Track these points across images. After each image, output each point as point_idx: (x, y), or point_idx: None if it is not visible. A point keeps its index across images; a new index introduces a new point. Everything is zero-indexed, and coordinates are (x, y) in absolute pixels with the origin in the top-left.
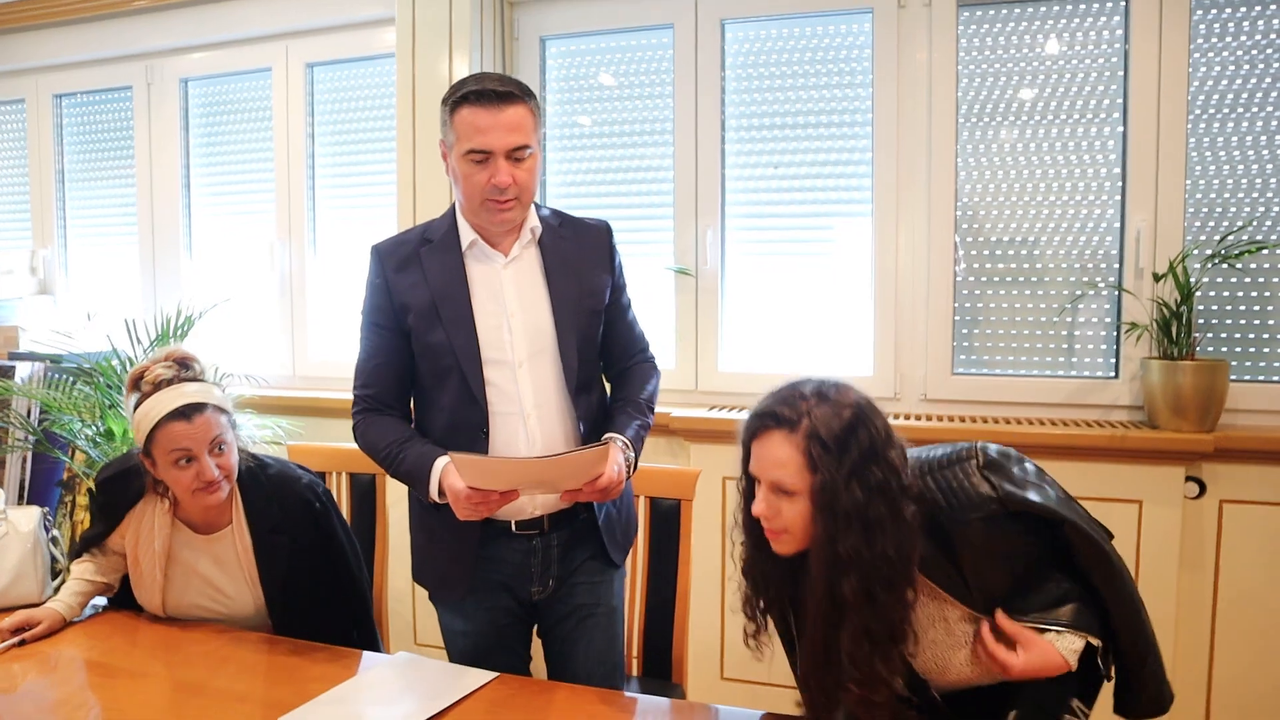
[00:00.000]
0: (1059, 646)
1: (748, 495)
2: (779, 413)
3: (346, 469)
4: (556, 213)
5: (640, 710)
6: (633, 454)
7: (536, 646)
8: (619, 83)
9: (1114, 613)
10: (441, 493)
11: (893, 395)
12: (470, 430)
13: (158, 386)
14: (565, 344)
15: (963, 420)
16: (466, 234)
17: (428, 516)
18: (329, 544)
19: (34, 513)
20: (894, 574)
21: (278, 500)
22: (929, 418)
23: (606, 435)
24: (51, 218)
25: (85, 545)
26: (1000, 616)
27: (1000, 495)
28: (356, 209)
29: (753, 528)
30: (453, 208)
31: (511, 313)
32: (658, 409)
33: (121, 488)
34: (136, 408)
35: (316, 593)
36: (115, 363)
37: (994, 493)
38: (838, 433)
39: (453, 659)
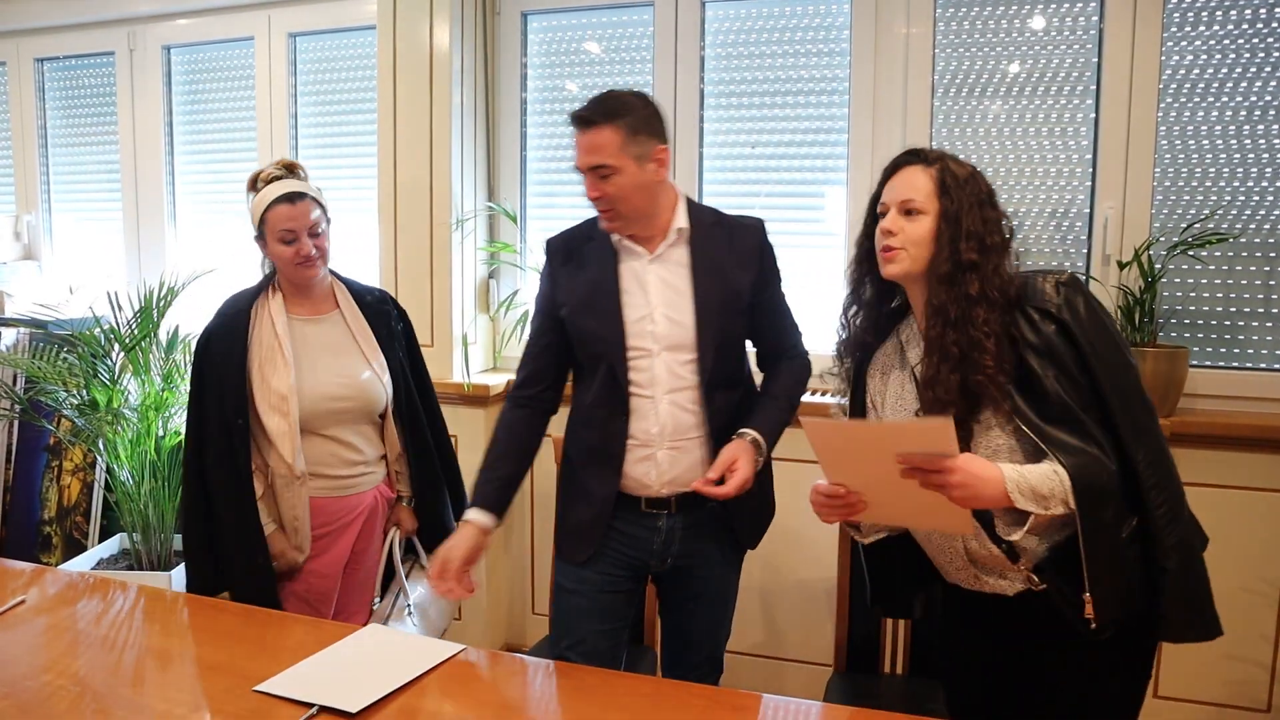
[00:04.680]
0: (1013, 474)
1: (868, 230)
2: (920, 151)
3: None
4: (714, 212)
5: (592, 681)
6: (762, 450)
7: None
8: (600, 57)
9: (1146, 478)
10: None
11: None
12: (613, 407)
13: (268, 182)
14: (703, 341)
15: None
16: (623, 237)
17: (576, 480)
18: (413, 344)
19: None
20: (1004, 288)
21: (369, 290)
22: None
23: (739, 430)
24: (35, 182)
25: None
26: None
27: (1062, 299)
28: (339, 178)
29: (864, 258)
30: None
31: (654, 305)
32: None
33: (230, 325)
34: (254, 200)
35: (420, 384)
36: (98, 331)
37: (1057, 296)
38: (967, 173)
39: (554, 612)
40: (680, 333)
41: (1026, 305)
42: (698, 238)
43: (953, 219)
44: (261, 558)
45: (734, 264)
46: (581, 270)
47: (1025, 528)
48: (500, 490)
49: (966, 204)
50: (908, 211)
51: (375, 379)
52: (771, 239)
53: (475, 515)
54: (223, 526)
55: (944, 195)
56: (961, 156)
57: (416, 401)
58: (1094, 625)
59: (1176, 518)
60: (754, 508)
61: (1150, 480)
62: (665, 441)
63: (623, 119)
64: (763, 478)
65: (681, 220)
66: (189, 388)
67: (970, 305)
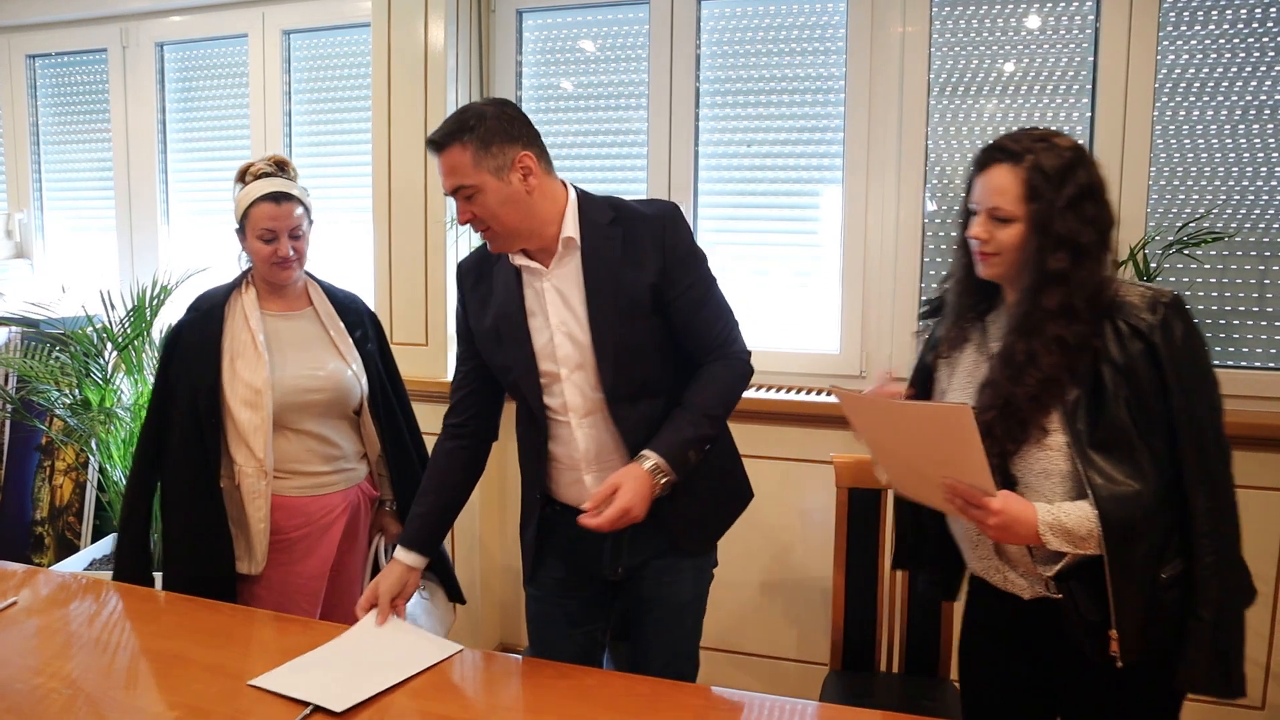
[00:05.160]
0: (1046, 516)
1: (963, 224)
2: (1006, 146)
3: None
4: (613, 207)
5: (589, 682)
6: (665, 472)
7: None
8: (595, 55)
9: (1201, 523)
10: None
11: (858, 373)
12: (536, 434)
13: (257, 177)
14: (601, 355)
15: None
16: (517, 254)
17: (524, 499)
18: (385, 349)
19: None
20: (1094, 296)
21: (342, 292)
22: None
23: (640, 454)
24: (27, 180)
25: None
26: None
27: (1158, 320)
28: (333, 176)
29: (962, 253)
30: None
31: (555, 326)
32: None
33: (203, 319)
34: (240, 193)
35: (394, 388)
36: (91, 330)
37: (1153, 315)
38: (1058, 167)
39: (527, 621)
40: (581, 352)
41: (1118, 318)
42: (590, 242)
43: (1041, 226)
44: (226, 559)
45: (630, 263)
46: (489, 298)
47: (1059, 565)
48: (424, 527)
49: (1060, 204)
50: (996, 217)
51: (351, 373)
52: (767, 241)
53: (400, 554)
54: (180, 528)
55: (1033, 199)
56: (1060, 132)
57: (393, 401)
58: (1119, 664)
59: (1224, 570)
60: (697, 514)
61: (1205, 527)
62: (591, 466)
63: (472, 133)
64: (716, 481)
65: (570, 228)
66: (154, 382)
67: (1045, 318)
